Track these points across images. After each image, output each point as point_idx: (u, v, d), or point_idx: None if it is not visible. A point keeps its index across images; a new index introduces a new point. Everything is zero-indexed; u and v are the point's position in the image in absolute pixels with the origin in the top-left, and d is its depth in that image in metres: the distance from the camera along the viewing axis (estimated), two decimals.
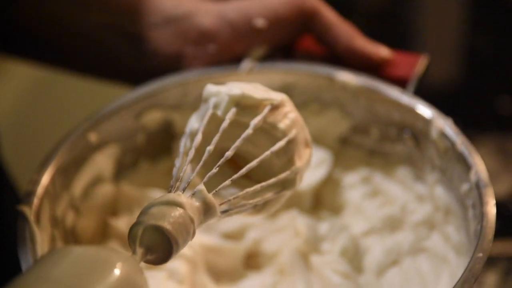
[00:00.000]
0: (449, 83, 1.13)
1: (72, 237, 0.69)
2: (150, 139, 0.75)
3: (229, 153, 0.56)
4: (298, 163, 0.59)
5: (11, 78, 1.28)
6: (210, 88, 0.60)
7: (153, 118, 0.74)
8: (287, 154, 0.59)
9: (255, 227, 0.73)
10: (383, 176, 0.74)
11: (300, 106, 0.71)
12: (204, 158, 0.56)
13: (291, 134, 0.59)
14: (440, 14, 1.27)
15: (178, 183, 0.56)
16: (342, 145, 0.76)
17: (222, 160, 0.56)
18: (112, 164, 0.73)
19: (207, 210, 0.55)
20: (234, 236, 0.73)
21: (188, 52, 0.76)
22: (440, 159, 0.69)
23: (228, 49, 0.75)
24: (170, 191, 0.55)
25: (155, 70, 0.77)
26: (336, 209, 0.74)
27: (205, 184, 0.56)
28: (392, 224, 0.71)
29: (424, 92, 0.73)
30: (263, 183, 0.57)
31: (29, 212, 0.63)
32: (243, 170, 0.56)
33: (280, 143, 0.58)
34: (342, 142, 0.76)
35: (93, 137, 0.71)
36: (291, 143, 0.59)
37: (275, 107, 0.59)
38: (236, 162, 0.61)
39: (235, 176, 0.56)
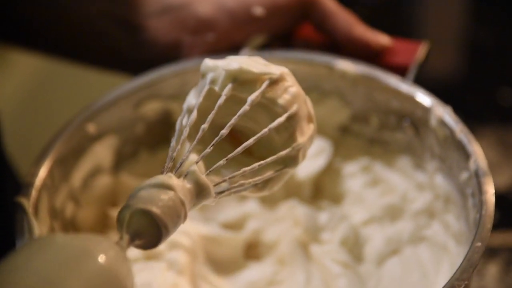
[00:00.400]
0: (450, 74, 1.13)
1: (71, 228, 0.69)
2: (149, 129, 0.75)
3: (224, 131, 0.54)
4: (300, 139, 0.57)
5: (11, 68, 1.27)
6: (208, 62, 0.57)
7: (152, 108, 0.74)
8: (288, 130, 0.56)
9: (255, 217, 0.72)
10: (383, 165, 0.74)
11: None
12: (198, 136, 0.55)
13: (292, 110, 0.56)
14: (442, 5, 1.26)
15: (171, 164, 0.54)
16: (342, 134, 0.76)
17: (216, 139, 0.54)
18: (111, 155, 0.73)
19: (200, 192, 0.53)
20: (233, 226, 0.72)
21: (186, 41, 0.75)
22: (440, 147, 0.68)
23: (227, 37, 0.75)
24: (162, 172, 0.54)
25: (153, 59, 0.76)
26: (336, 198, 0.74)
27: (203, 163, 0.54)
28: (392, 213, 0.71)
29: (425, 83, 0.72)
30: (262, 162, 0.55)
31: (27, 204, 0.63)
32: (239, 149, 0.54)
33: (279, 120, 0.55)
34: (342, 131, 0.76)
35: (91, 127, 0.71)
36: (291, 119, 0.56)
37: (274, 82, 0.56)
38: (237, 138, 0.59)
39: (230, 155, 0.54)
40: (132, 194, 0.52)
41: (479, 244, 0.57)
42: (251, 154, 0.57)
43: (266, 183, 0.57)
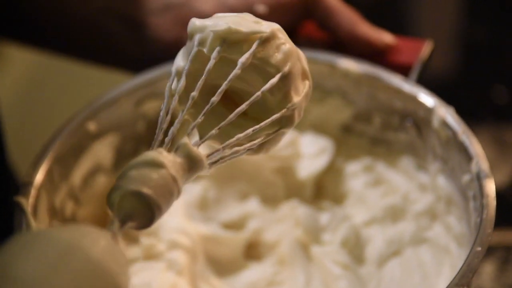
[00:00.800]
0: (445, 72, 1.12)
1: None
2: (150, 127, 0.74)
3: (214, 99, 0.52)
4: (295, 98, 0.53)
5: (12, 64, 1.27)
6: (195, 22, 0.53)
7: (153, 106, 0.74)
8: (282, 91, 0.53)
9: (256, 217, 0.72)
10: (385, 165, 0.74)
11: None
12: (188, 105, 0.52)
13: (285, 69, 0.53)
14: (437, 3, 1.26)
15: (161, 136, 0.52)
16: (344, 133, 0.75)
17: (207, 107, 0.52)
18: (111, 153, 0.73)
19: (193, 165, 0.51)
20: (234, 226, 0.72)
21: None
22: (442, 148, 0.68)
23: None
24: (152, 147, 0.52)
25: (155, 57, 0.76)
26: (338, 198, 0.74)
27: (199, 128, 0.53)
28: (394, 214, 0.71)
29: (422, 80, 0.72)
30: (256, 126, 0.52)
31: (26, 203, 0.62)
32: (231, 116, 0.52)
33: (272, 81, 0.52)
34: (344, 130, 0.75)
35: (92, 126, 0.70)
36: (285, 78, 0.53)
37: (265, 40, 0.53)
38: (230, 98, 0.56)
39: (222, 123, 0.52)
40: (122, 174, 0.50)
41: (479, 248, 0.56)
42: (245, 114, 0.54)
43: (262, 145, 0.55)
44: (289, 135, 0.73)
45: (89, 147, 0.71)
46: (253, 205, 0.72)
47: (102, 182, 0.72)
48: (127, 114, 0.73)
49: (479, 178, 0.61)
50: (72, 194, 0.69)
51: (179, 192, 0.50)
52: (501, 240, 0.81)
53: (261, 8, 0.74)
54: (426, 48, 0.74)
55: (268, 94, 0.53)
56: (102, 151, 0.72)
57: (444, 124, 0.67)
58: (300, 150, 0.74)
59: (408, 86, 0.70)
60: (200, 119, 0.52)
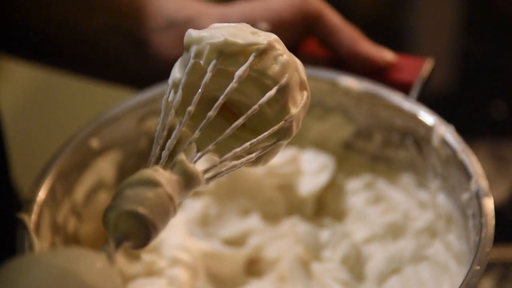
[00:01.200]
0: (443, 88, 1.13)
1: (74, 243, 0.70)
2: (152, 143, 0.74)
3: (211, 114, 0.51)
4: (293, 110, 0.53)
5: (14, 80, 1.28)
6: (192, 33, 0.53)
7: (155, 122, 0.74)
8: (280, 102, 0.53)
9: (257, 234, 0.72)
10: (386, 182, 0.74)
11: None
12: (184, 120, 0.52)
13: (282, 81, 0.52)
14: (435, 20, 1.27)
15: (157, 151, 0.51)
16: (345, 150, 0.76)
17: (204, 122, 0.51)
18: (114, 170, 0.73)
19: (189, 182, 0.50)
20: (235, 242, 0.72)
21: None
22: (442, 166, 0.68)
23: None
24: (148, 163, 0.51)
25: (158, 73, 0.76)
26: (338, 215, 0.74)
27: (197, 141, 0.52)
28: (394, 231, 0.71)
29: (423, 98, 0.72)
30: (253, 140, 0.52)
31: (28, 220, 0.63)
32: (228, 131, 0.51)
33: (270, 93, 0.52)
34: (345, 147, 0.76)
35: (95, 142, 0.71)
36: (283, 90, 0.52)
37: (262, 52, 0.52)
38: (228, 109, 0.55)
39: (219, 139, 0.51)
40: (117, 193, 0.49)
41: (478, 267, 0.57)
42: (243, 126, 0.53)
43: (260, 157, 0.54)
44: (290, 152, 0.74)
45: (92, 164, 0.71)
46: (254, 221, 0.73)
47: (104, 198, 0.72)
48: (130, 131, 0.73)
49: (478, 197, 0.62)
50: (75, 211, 0.70)
51: (175, 210, 0.50)
52: (500, 256, 0.81)
53: (263, 25, 0.74)
54: (426, 66, 0.75)
55: (266, 106, 0.53)
56: (105, 168, 0.72)
57: (444, 142, 0.67)
58: (301, 167, 0.75)
59: (408, 104, 0.70)
60: (196, 134, 0.51)
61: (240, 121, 0.52)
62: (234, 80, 0.52)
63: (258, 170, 0.73)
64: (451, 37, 1.23)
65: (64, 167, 0.68)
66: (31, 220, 0.63)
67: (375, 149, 0.74)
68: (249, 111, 0.52)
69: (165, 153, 0.52)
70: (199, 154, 0.52)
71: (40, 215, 0.64)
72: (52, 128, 1.19)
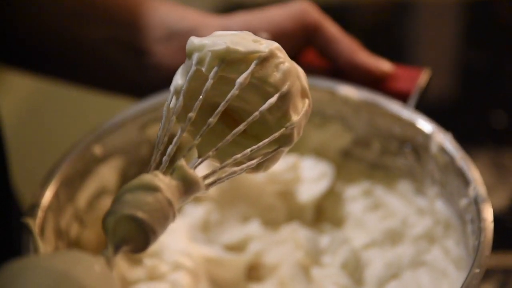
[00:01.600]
0: (444, 97, 1.14)
1: (76, 248, 0.70)
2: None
3: (211, 120, 0.52)
4: (294, 117, 0.53)
5: (14, 90, 1.28)
6: (194, 40, 0.53)
7: (157, 130, 0.74)
8: (281, 110, 0.53)
9: (257, 239, 0.73)
10: (384, 189, 0.75)
11: None
12: (185, 127, 0.52)
13: (284, 88, 0.53)
14: (435, 30, 1.28)
15: (158, 157, 0.52)
16: (344, 158, 0.77)
17: (204, 128, 0.52)
18: (116, 176, 0.74)
19: (189, 187, 0.51)
20: (236, 248, 0.73)
21: None
22: (440, 173, 0.69)
23: None
24: (149, 169, 0.52)
25: (158, 84, 0.77)
26: (337, 222, 0.75)
27: (198, 147, 0.52)
28: (393, 237, 0.72)
29: (420, 107, 0.73)
30: (254, 147, 0.52)
31: (33, 224, 0.63)
32: (228, 137, 0.52)
33: (271, 101, 0.52)
34: (344, 155, 0.77)
35: (97, 149, 0.72)
36: (284, 97, 0.53)
37: (264, 60, 0.52)
38: (229, 115, 0.56)
39: (219, 145, 0.52)
40: (117, 198, 0.50)
41: (477, 270, 0.58)
42: (244, 132, 0.54)
43: (261, 164, 0.54)
44: (290, 159, 0.75)
45: (95, 170, 0.72)
46: (254, 227, 0.74)
47: (106, 205, 0.72)
48: (132, 139, 0.74)
49: (476, 203, 0.63)
50: (77, 216, 0.70)
51: (174, 215, 0.51)
52: (499, 263, 0.82)
53: (263, 36, 0.75)
54: (423, 76, 0.76)
55: (267, 113, 0.53)
56: (107, 174, 0.73)
57: (442, 150, 0.68)
58: (300, 174, 0.76)
59: (406, 113, 0.72)
60: (197, 140, 0.52)
61: (241, 127, 0.52)
62: (235, 87, 0.52)
63: (259, 177, 0.74)
64: (451, 47, 1.24)
65: (68, 173, 0.69)
66: (35, 224, 0.64)
67: (374, 157, 0.76)
68: (250, 118, 0.52)
69: (165, 159, 0.52)
70: (199, 160, 0.53)
71: (44, 220, 0.65)
72: (52, 137, 1.20)
